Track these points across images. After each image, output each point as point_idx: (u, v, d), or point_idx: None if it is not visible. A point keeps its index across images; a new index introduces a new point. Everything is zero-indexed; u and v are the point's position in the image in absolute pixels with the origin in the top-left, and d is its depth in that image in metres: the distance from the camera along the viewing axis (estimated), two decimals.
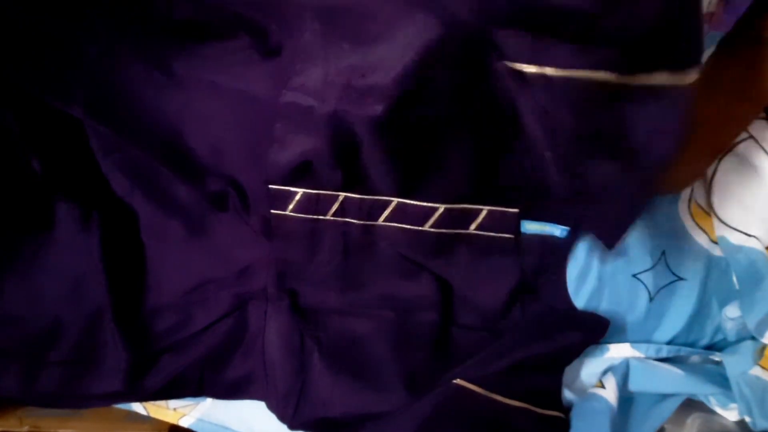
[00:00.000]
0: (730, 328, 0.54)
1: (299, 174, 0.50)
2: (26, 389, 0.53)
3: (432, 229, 0.53)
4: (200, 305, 0.56)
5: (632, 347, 0.55)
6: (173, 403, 0.55)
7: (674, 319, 0.54)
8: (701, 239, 0.53)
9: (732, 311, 0.53)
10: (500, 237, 0.54)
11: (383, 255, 0.55)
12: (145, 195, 0.56)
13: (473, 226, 0.53)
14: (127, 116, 0.52)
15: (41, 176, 0.54)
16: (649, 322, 0.54)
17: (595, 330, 0.53)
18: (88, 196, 0.56)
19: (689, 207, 0.53)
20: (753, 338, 0.53)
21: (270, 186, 0.52)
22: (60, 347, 0.54)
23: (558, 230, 0.54)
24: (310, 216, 0.53)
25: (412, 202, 0.52)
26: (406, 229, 0.53)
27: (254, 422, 0.56)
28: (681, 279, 0.54)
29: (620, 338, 0.55)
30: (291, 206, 0.52)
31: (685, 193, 0.53)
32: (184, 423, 0.55)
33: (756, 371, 0.52)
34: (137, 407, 0.55)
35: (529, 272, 0.55)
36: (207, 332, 0.56)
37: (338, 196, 0.52)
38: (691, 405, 0.55)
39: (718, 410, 0.54)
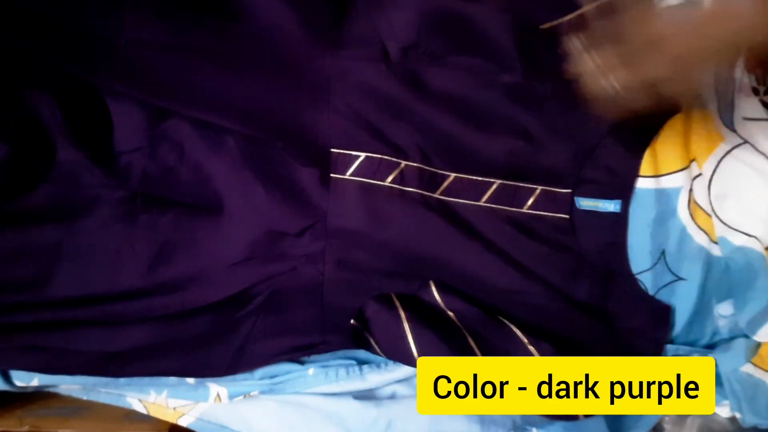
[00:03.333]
0: (723, 326, 0.55)
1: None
2: None
3: (487, 204, 0.55)
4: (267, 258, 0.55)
5: None
6: (173, 402, 0.55)
7: (674, 319, 0.55)
8: (701, 239, 0.54)
9: (724, 309, 0.54)
10: (554, 217, 0.56)
11: (436, 229, 0.55)
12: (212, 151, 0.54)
13: (527, 205, 0.56)
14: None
15: (83, 161, 0.53)
16: None
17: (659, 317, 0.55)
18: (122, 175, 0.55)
19: (689, 207, 0.54)
20: (746, 336, 0.55)
21: (332, 150, 0.54)
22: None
23: (611, 205, 0.55)
24: (368, 180, 0.54)
25: (468, 176, 0.55)
26: (461, 204, 0.55)
27: (254, 422, 0.56)
28: (681, 279, 0.55)
29: None
30: (351, 169, 0.54)
31: (685, 194, 0.54)
32: (183, 422, 0.55)
33: (747, 368, 0.54)
34: (137, 406, 0.55)
35: (589, 250, 0.56)
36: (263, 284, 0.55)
37: (399, 163, 0.55)
38: None
39: None
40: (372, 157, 0.54)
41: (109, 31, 0.49)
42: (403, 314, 0.54)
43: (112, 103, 0.53)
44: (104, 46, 0.50)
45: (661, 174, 0.55)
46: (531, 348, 0.54)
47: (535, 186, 0.56)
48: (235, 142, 0.53)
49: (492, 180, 0.55)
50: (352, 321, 0.54)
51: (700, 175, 0.54)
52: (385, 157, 0.54)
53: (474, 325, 0.55)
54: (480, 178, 0.55)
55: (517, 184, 0.56)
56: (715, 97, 0.53)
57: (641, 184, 0.55)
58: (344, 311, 0.54)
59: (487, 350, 0.54)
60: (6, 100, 0.51)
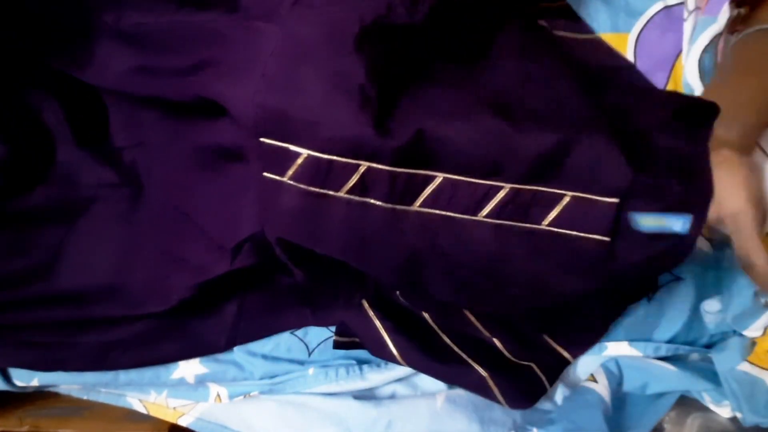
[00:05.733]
0: (709, 322, 0.55)
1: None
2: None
3: (488, 220, 0.39)
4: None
5: (630, 346, 0.56)
6: (173, 402, 0.55)
7: (673, 318, 0.55)
8: (700, 239, 0.54)
9: (710, 305, 0.55)
10: (587, 239, 0.39)
11: (412, 255, 0.41)
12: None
13: (548, 219, 0.39)
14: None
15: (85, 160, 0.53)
16: (648, 321, 0.55)
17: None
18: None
19: None
20: (741, 334, 0.55)
21: (262, 140, 0.39)
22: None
23: (679, 223, 0.38)
24: (316, 189, 0.39)
25: (465, 178, 0.38)
26: (452, 218, 0.39)
27: (254, 422, 0.56)
28: (679, 278, 0.55)
29: (619, 337, 0.56)
30: (290, 172, 0.39)
31: None
32: (183, 422, 0.55)
33: (744, 367, 0.54)
34: (137, 406, 0.55)
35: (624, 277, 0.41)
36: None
37: (359, 165, 0.38)
38: (691, 405, 0.56)
39: (712, 407, 0.56)
40: (317, 157, 0.38)
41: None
42: (375, 319, 0.51)
43: (109, 99, 0.53)
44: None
45: None
46: (486, 334, 0.51)
47: (562, 192, 0.39)
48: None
49: (499, 183, 0.39)
50: (336, 337, 0.55)
51: None
52: (337, 158, 0.39)
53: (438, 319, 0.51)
54: (482, 181, 0.39)
55: (536, 188, 0.39)
56: (702, 86, 0.52)
57: None
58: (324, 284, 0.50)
59: (456, 339, 0.51)
60: (6, 100, 0.51)
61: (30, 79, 0.51)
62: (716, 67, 0.51)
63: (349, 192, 0.39)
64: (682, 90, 0.53)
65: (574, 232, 0.39)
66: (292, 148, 0.39)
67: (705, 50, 0.51)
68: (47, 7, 0.47)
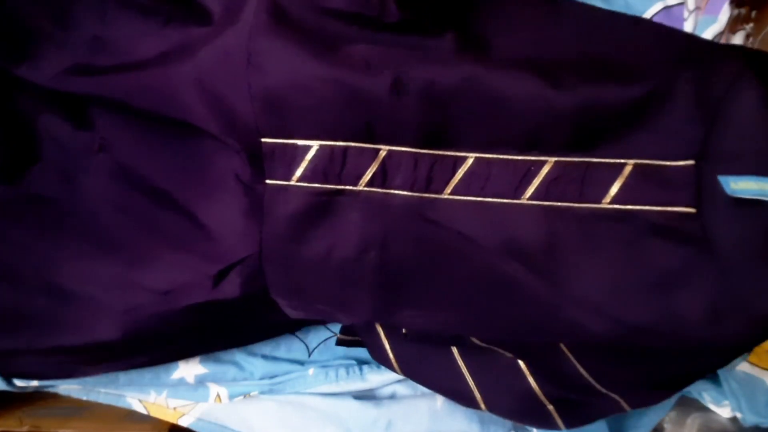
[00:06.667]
0: None
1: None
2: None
3: (533, 202, 0.33)
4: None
5: None
6: (173, 402, 0.55)
7: None
8: None
9: None
10: (666, 212, 0.32)
11: (448, 254, 0.35)
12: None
13: (610, 195, 0.32)
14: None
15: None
16: None
17: None
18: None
19: None
20: None
21: (264, 141, 0.34)
22: None
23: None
24: (329, 186, 0.34)
25: (500, 156, 0.33)
26: (490, 204, 0.33)
27: (254, 422, 0.56)
28: None
29: None
30: (299, 172, 0.35)
31: None
32: (183, 422, 0.55)
33: (744, 367, 0.54)
34: (137, 406, 0.55)
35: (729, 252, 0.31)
36: None
37: (378, 150, 0.34)
38: (691, 405, 0.56)
39: (712, 407, 0.56)
40: (331, 146, 0.34)
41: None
42: (382, 334, 0.46)
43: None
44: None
45: None
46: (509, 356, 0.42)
47: (623, 161, 0.32)
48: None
49: (542, 158, 0.33)
50: (339, 335, 0.53)
51: None
52: (354, 144, 0.34)
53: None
54: (521, 157, 0.33)
55: (588, 159, 0.33)
56: None
57: None
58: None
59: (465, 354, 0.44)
60: None
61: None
62: None
63: (368, 184, 0.35)
64: None
65: (647, 207, 0.31)
66: (300, 142, 0.34)
67: None
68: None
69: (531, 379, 0.40)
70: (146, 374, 0.55)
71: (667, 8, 0.55)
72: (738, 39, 0.51)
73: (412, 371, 0.49)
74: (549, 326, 0.34)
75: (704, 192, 0.31)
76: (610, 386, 0.38)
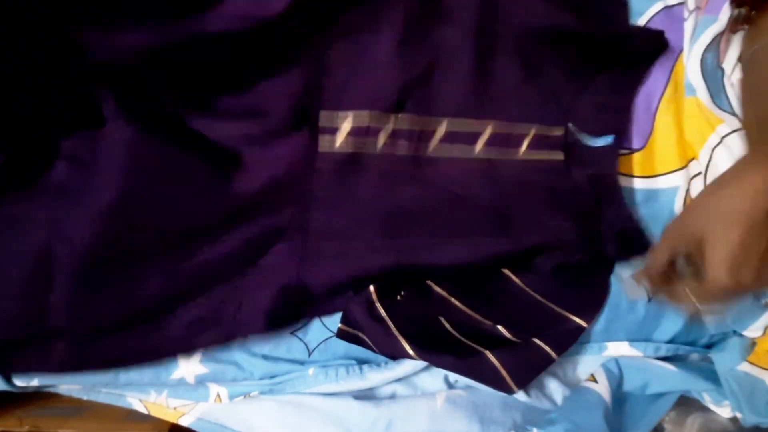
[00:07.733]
0: (709, 321, 0.56)
1: None
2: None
3: (482, 156, 0.48)
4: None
5: (630, 346, 0.56)
6: (173, 402, 0.55)
7: (673, 319, 0.55)
8: None
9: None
10: (550, 160, 0.51)
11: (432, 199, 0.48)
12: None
13: (522, 149, 0.50)
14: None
15: None
16: (648, 321, 0.56)
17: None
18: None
19: (686, 204, 0.54)
20: (741, 334, 0.55)
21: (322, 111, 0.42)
22: None
23: (600, 141, 0.53)
24: (358, 151, 0.45)
25: (463, 119, 0.47)
26: (457, 159, 0.47)
27: (254, 422, 0.56)
28: None
29: (619, 337, 0.56)
30: (340, 139, 0.44)
31: (682, 191, 0.55)
32: (184, 422, 0.55)
33: (744, 367, 0.54)
34: (138, 406, 0.55)
35: (585, 185, 0.52)
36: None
37: (389, 117, 0.45)
38: (691, 405, 0.56)
39: (712, 407, 0.56)
40: (361, 114, 0.44)
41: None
42: (388, 319, 0.52)
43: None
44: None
45: (658, 174, 0.55)
46: (500, 328, 0.53)
47: (529, 124, 0.50)
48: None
49: (486, 120, 0.48)
50: (341, 325, 0.54)
51: (699, 174, 0.54)
52: (376, 112, 0.44)
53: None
54: (475, 120, 0.48)
55: (511, 124, 0.49)
56: (705, 85, 0.53)
57: (637, 184, 0.55)
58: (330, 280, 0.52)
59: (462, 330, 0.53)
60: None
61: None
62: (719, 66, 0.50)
63: (382, 149, 0.46)
64: (683, 91, 0.53)
65: (541, 157, 0.50)
66: (341, 113, 0.43)
67: (707, 50, 0.51)
68: None
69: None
70: (146, 374, 0.55)
71: (667, 8, 0.55)
72: (738, 39, 0.51)
73: (427, 354, 0.52)
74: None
75: (569, 147, 0.51)
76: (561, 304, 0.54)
